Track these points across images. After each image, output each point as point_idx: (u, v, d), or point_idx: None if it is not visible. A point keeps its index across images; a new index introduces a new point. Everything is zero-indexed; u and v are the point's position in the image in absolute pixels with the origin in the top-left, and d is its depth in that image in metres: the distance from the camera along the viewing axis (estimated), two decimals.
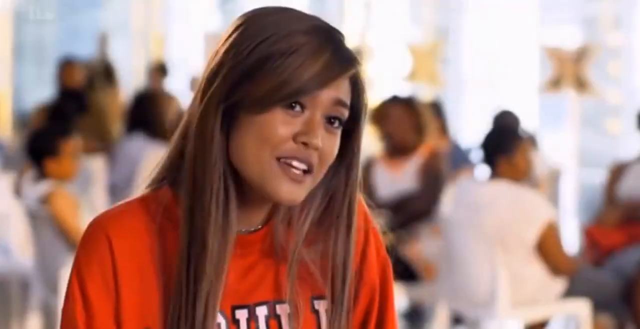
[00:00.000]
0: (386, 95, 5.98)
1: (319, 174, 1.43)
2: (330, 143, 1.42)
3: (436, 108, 6.93)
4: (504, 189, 4.50)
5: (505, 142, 4.58)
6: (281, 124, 1.39)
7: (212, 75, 1.42)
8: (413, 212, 5.37)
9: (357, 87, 1.45)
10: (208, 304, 1.41)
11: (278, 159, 1.40)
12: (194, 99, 1.45)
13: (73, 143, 4.84)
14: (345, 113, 1.43)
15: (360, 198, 1.53)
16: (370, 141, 6.24)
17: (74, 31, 12.42)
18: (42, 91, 10.11)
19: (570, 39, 9.06)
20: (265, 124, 1.39)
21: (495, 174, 4.57)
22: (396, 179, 5.51)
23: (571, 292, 4.64)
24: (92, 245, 1.45)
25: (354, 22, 10.94)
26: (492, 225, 4.44)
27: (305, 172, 1.41)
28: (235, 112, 1.41)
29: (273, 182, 1.40)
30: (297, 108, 1.40)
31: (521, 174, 4.59)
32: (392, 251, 5.13)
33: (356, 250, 1.51)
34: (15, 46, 10.90)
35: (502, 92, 10.76)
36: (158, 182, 1.50)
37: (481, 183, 4.67)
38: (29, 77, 12.23)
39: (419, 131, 5.53)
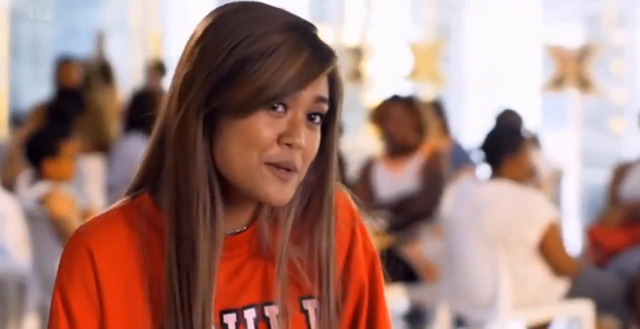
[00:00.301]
0: (387, 94, 5.98)
1: (303, 171, 1.43)
2: (311, 139, 1.42)
3: (437, 107, 6.91)
4: (505, 189, 4.49)
5: (511, 142, 4.57)
6: (265, 127, 1.39)
7: (189, 81, 1.40)
8: (414, 212, 5.36)
9: (334, 81, 1.44)
10: (205, 311, 1.39)
11: (265, 163, 1.40)
12: (169, 104, 1.43)
13: (73, 145, 4.82)
14: (326, 108, 1.43)
15: (345, 194, 1.54)
16: (370, 141, 6.22)
17: (71, 30, 12.42)
18: (38, 90, 10.10)
19: (572, 38, 9.05)
20: (250, 128, 1.38)
21: (500, 174, 4.55)
22: (397, 179, 5.49)
23: (574, 293, 4.63)
24: (73, 259, 1.43)
25: (355, 21, 10.93)
26: (493, 225, 4.43)
27: (289, 170, 1.41)
28: (216, 117, 1.40)
29: (262, 184, 1.39)
30: (280, 108, 1.39)
31: (526, 175, 4.58)
32: (393, 251, 5.15)
33: (342, 247, 1.51)
34: (11, 45, 10.91)
35: (504, 92, 10.78)
36: (136, 190, 1.48)
37: (482, 183, 4.66)
38: (25, 76, 12.23)
39: (420, 130, 5.52)
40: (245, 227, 1.47)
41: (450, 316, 4.82)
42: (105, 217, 1.46)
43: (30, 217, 4.75)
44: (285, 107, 1.39)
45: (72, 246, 1.44)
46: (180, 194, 1.39)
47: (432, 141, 5.67)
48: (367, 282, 1.53)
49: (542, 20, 10.40)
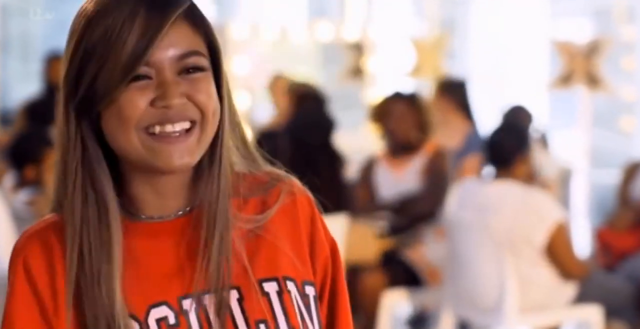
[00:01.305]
0: (388, 91, 5.96)
1: (210, 124, 1.43)
2: (200, 91, 1.41)
3: (459, 87, 6.75)
4: (511, 189, 4.47)
5: (521, 141, 4.57)
6: (135, 99, 1.39)
7: (62, 81, 1.44)
8: (416, 213, 5.36)
9: (197, 27, 1.43)
10: (110, 296, 1.41)
11: (148, 132, 1.40)
12: None
13: None
14: (198, 59, 1.42)
15: (294, 179, 1.54)
16: (371, 140, 6.20)
17: (61, 25, 12.43)
18: (29, 86, 10.11)
19: (581, 33, 9.13)
20: (121, 107, 1.40)
21: (509, 174, 4.52)
22: (399, 179, 5.48)
23: (582, 297, 4.62)
24: (14, 276, 1.46)
25: (355, 15, 10.93)
26: (499, 227, 4.41)
27: (187, 130, 1.41)
28: (95, 111, 1.42)
29: (158, 156, 1.40)
30: (144, 80, 1.40)
31: (530, 175, 4.57)
32: (395, 254, 5.03)
33: (305, 227, 1.52)
34: (1, 40, 10.98)
35: (511, 89, 10.86)
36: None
37: (487, 183, 4.62)
38: (15, 72, 12.29)
39: (423, 128, 5.53)
40: (188, 209, 1.48)
41: (454, 320, 4.79)
42: (38, 225, 1.49)
43: (18, 218, 4.70)
44: (148, 76, 1.40)
45: (12, 260, 1.46)
46: (62, 189, 1.44)
47: (436, 138, 5.65)
48: (330, 260, 1.54)
49: (550, 14, 10.52)
